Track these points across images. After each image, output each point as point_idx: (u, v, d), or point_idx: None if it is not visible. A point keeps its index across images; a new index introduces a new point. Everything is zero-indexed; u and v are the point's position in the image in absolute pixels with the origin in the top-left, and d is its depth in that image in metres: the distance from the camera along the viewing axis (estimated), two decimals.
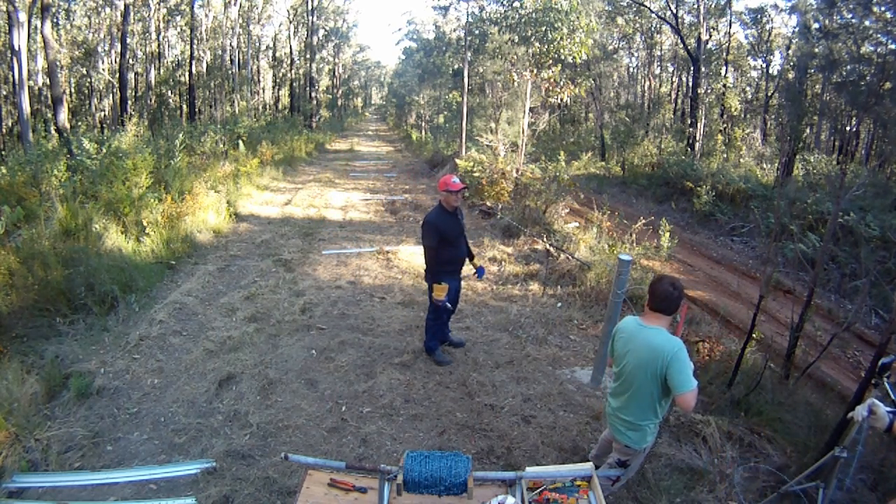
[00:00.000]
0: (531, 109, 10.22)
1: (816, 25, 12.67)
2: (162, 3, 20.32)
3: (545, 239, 6.96)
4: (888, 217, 7.37)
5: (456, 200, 3.84)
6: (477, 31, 13.76)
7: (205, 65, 21.78)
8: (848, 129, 14.84)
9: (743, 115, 18.06)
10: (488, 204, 9.18)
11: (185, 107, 20.08)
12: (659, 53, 22.18)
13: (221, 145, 12.70)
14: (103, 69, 18.84)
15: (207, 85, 21.24)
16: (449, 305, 3.99)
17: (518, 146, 10.16)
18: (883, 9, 11.02)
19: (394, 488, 1.95)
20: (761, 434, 3.28)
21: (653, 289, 2.29)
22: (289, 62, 26.95)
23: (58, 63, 12.67)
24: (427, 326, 4.23)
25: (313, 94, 25.85)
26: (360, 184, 12.87)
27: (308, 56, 25.51)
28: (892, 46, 11.13)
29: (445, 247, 3.86)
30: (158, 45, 21.32)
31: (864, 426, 2.05)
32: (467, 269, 4.33)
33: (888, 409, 1.92)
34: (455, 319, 5.06)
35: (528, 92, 9.51)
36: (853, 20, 11.63)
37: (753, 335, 3.95)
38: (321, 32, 27.77)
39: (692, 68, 16.45)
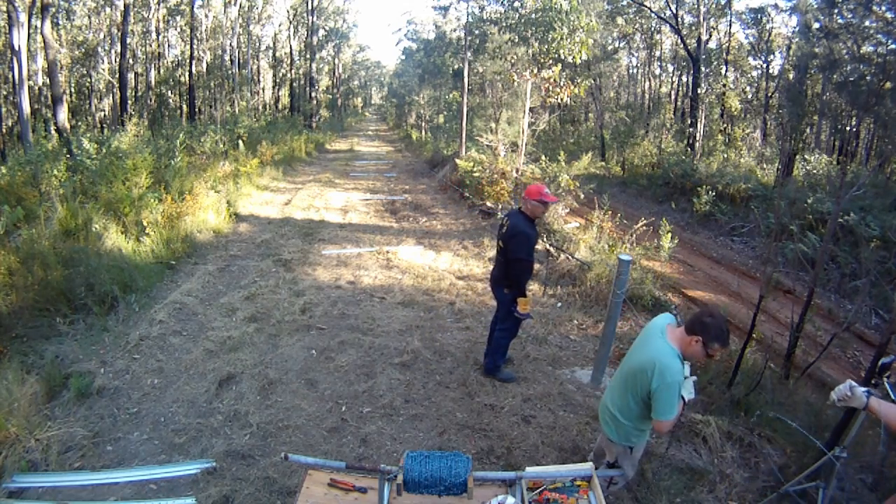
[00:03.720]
0: (531, 109, 10.21)
1: (817, 25, 12.67)
2: (162, 3, 20.32)
3: (545, 239, 6.96)
4: (888, 217, 7.36)
5: (544, 213, 3.68)
6: (477, 31, 13.77)
7: (205, 65, 21.77)
8: (848, 129, 14.83)
9: (743, 115, 18.05)
10: (488, 204, 9.18)
11: (185, 107, 20.08)
12: (659, 53, 22.18)
13: (221, 145, 12.71)
14: (103, 69, 18.84)
15: (207, 85, 21.24)
16: (532, 318, 3.82)
17: (518, 146, 10.16)
18: (883, 9, 11.01)
19: (394, 488, 1.95)
20: (761, 434, 3.28)
21: (697, 312, 2.23)
22: (289, 62, 26.97)
23: (58, 63, 12.66)
24: (497, 344, 3.87)
25: (313, 94, 25.84)
26: (359, 184, 12.87)
27: (308, 56, 25.51)
28: (893, 46, 11.12)
29: (531, 259, 3.65)
30: (158, 45, 21.32)
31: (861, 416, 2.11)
32: None
33: (863, 389, 1.98)
34: (455, 319, 5.07)
35: (528, 92, 9.51)
36: (853, 20, 11.62)
37: (753, 335, 3.95)
38: (321, 32, 27.76)
39: (692, 68, 16.43)
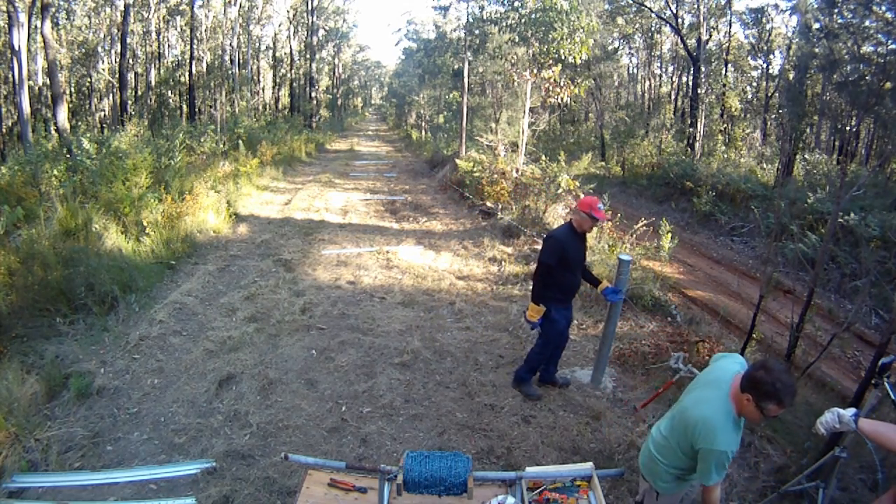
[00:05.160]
0: (531, 109, 10.22)
1: (817, 25, 12.66)
2: (162, 3, 20.32)
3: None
4: (888, 217, 7.36)
5: (591, 228, 3.47)
6: (477, 31, 13.75)
7: (205, 65, 21.74)
8: (848, 129, 14.83)
9: (743, 115, 18.05)
10: (488, 204, 9.18)
11: (185, 107, 20.06)
12: (659, 53, 22.18)
13: (221, 145, 12.71)
14: (103, 69, 18.83)
15: (207, 85, 21.21)
16: (538, 329, 3.57)
17: (518, 146, 10.16)
18: (883, 9, 11.01)
19: (394, 488, 1.95)
20: (761, 434, 3.28)
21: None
22: (289, 62, 26.95)
23: (58, 63, 12.65)
24: (528, 357, 3.77)
25: (313, 94, 25.84)
26: (359, 184, 12.87)
27: (308, 56, 25.52)
28: (893, 46, 11.12)
29: (563, 271, 3.40)
30: (158, 45, 21.31)
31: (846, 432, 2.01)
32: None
33: (850, 413, 1.91)
34: (455, 319, 5.06)
35: (528, 92, 9.51)
36: (853, 20, 11.62)
37: (753, 335, 3.95)
38: (321, 32, 27.75)
39: (692, 68, 16.45)
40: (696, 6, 16.25)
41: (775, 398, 1.69)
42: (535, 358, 3.71)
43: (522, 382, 3.81)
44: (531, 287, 3.55)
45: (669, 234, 6.36)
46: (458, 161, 11.67)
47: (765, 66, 18.11)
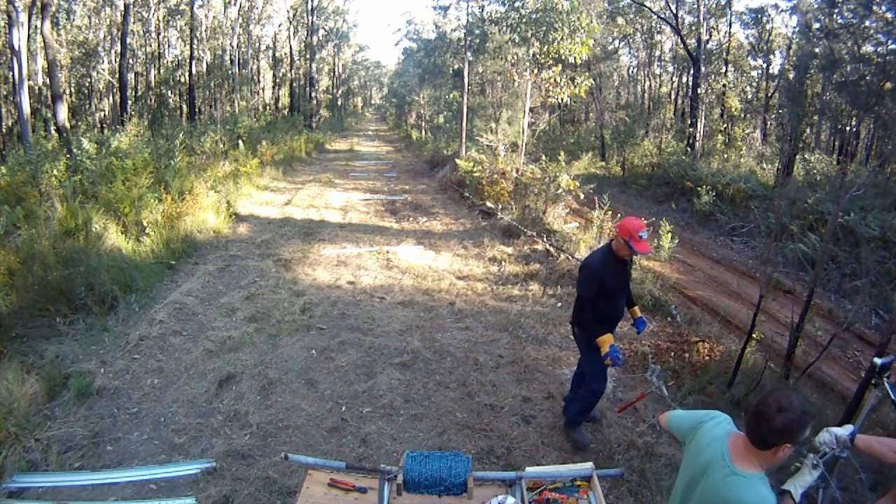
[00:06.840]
0: (531, 109, 10.22)
1: (817, 25, 12.67)
2: (162, 3, 20.32)
3: (545, 239, 6.96)
4: (888, 217, 7.36)
5: (629, 257, 3.07)
6: (477, 31, 13.77)
7: (205, 65, 21.75)
8: (848, 129, 14.84)
9: (743, 115, 18.06)
10: (488, 204, 9.18)
11: (185, 107, 20.06)
12: (659, 53, 22.18)
13: (221, 145, 12.71)
14: (103, 69, 18.84)
15: (207, 85, 21.23)
16: (621, 357, 2.92)
17: (518, 146, 10.17)
18: (883, 9, 11.02)
19: (394, 488, 1.95)
20: None
21: (754, 413, 1.52)
22: (289, 62, 26.96)
23: (57, 62, 12.64)
24: (581, 396, 3.23)
25: (313, 94, 25.84)
26: (359, 184, 12.87)
27: (308, 56, 25.53)
28: (893, 46, 11.13)
29: (602, 301, 3.01)
30: (158, 45, 21.32)
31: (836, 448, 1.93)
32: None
33: (847, 431, 1.89)
34: (455, 319, 5.06)
35: (528, 92, 9.52)
36: (853, 20, 11.63)
37: (753, 335, 3.95)
38: (321, 32, 27.77)
39: (692, 68, 16.45)
40: (696, 6, 16.25)
41: (808, 426, 1.48)
42: (588, 398, 3.19)
43: (573, 427, 3.32)
44: (579, 323, 3.12)
45: (669, 234, 6.36)
46: (458, 161, 11.67)
47: (765, 66, 18.13)
